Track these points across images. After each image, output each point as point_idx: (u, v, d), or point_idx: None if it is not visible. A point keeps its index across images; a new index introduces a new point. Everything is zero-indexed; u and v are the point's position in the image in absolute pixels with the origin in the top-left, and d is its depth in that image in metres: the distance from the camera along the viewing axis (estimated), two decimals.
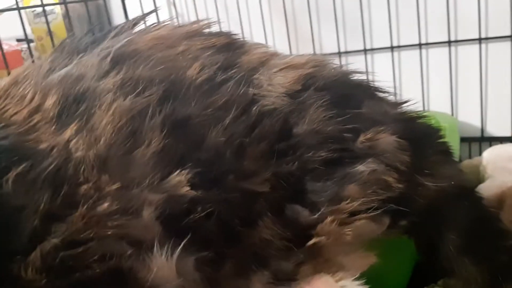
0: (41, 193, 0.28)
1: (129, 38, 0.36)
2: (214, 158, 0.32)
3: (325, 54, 0.85)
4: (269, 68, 0.35)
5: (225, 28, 0.40)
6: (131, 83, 0.33)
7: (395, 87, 0.81)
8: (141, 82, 0.33)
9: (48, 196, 0.28)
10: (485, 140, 0.77)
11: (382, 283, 0.35)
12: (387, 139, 0.35)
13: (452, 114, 0.79)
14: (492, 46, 0.74)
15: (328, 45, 0.85)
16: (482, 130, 0.77)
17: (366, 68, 0.83)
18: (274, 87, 0.35)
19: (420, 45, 0.79)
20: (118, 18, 1.01)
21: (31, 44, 0.88)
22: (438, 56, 0.79)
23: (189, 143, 0.31)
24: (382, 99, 0.39)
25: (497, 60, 0.74)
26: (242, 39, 0.38)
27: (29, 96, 0.33)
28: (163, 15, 0.93)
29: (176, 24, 0.38)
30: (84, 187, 0.29)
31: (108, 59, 0.34)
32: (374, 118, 0.36)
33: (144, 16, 0.40)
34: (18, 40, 0.96)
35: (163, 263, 0.28)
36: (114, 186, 0.29)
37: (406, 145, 0.36)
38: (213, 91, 0.33)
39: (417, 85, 0.80)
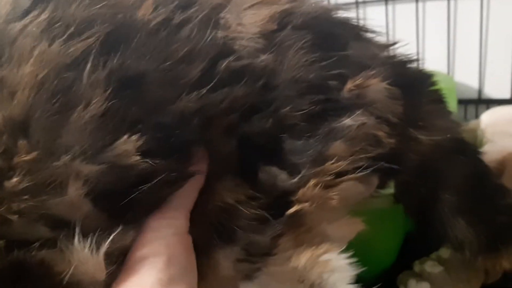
0: None
1: None
2: (178, 125, 0.26)
3: (367, 1, 0.76)
4: (237, 4, 0.29)
5: None
6: (61, 24, 0.26)
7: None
8: (75, 23, 0.26)
9: None
10: (483, 103, 0.73)
11: (369, 256, 0.31)
12: (377, 86, 0.30)
13: (449, 74, 0.74)
14: (494, 1, 0.68)
15: None
16: (480, 91, 0.73)
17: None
18: (245, 27, 0.29)
19: None
20: None
21: None
22: (436, 11, 0.73)
23: (143, 106, 0.25)
24: (369, 40, 0.34)
25: (499, 17, 0.68)
26: None
27: None
28: None
29: None
30: None
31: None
32: (362, 62, 0.31)
33: None
34: None
35: (86, 256, 0.23)
36: (30, 156, 0.23)
37: (398, 93, 0.31)
38: (172, 38, 0.27)
39: (412, 41, 0.75)
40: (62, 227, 0.24)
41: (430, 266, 0.44)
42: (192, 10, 0.28)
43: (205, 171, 0.28)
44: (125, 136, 0.24)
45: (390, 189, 0.40)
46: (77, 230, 0.24)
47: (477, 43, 0.70)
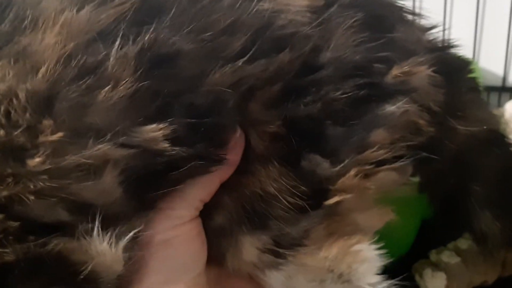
0: None
1: None
2: (212, 107, 0.24)
3: None
4: None
5: None
6: None
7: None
8: None
9: None
10: (506, 91, 0.70)
11: (385, 242, 0.31)
12: (422, 74, 0.28)
13: (474, 59, 0.71)
14: None
15: None
16: (504, 79, 0.71)
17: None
18: (293, 0, 0.27)
19: None
20: None
21: None
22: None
23: (175, 85, 0.24)
24: (413, 23, 0.32)
25: None
26: None
27: None
28: None
29: None
30: (2, 132, 0.21)
31: None
32: (407, 46, 0.29)
33: None
34: None
35: (104, 249, 0.23)
36: (55, 136, 0.22)
37: (441, 81, 0.29)
38: (214, 6, 0.25)
39: (438, 23, 0.72)
40: (83, 212, 0.23)
41: (447, 256, 0.44)
42: None
43: (237, 161, 0.26)
44: (154, 124, 0.23)
45: (416, 177, 0.39)
46: (97, 222, 0.23)
47: (505, 29, 0.68)
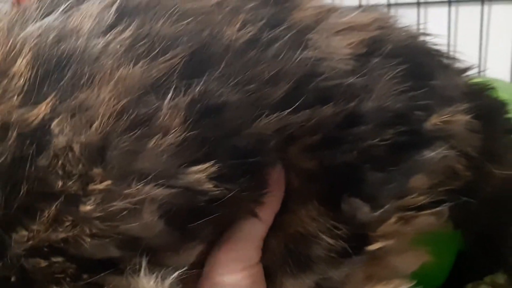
0: None
1: None
2: (254, 148, 0.25)
3: (372, 6, 0.76)
4: (327, 27, 0.28)
5: None
6: (145, 42, 0.25)
7: (449, 46, 0.72)
8: (160, 41, 0.25)
9: (3, 197, 0.23)
10: None
11: (420, 275, 0.31)
12: (460, 121, 0.29)
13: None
14: None
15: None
16: None
17: (418, 23, 0.74)
18: (335, 48, 0.28)
19: (482, 0, 0.69)
20: None
21: None
22: (501, 14, 0.69)
23: (221, 132, 0.25)
24: (450, 67, 0.33)
25: None
26: None
27: None
28: None
29: None
30: (61, 184, 0.23)
31: (114, 8, 0.26)
32: (446, 92, 0.30)
33: None
34: None
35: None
36: (104, 185, 0.23)
37: (478, 126, 0.30)
38: (259, 58, 0.26)
39: (474, 46, 0.72)
40: (131, 247, 0.24)
41: None
42: (280, 29, 0.27)
43: (281, 196, 0.27)
44: (199, 165, 0.24)
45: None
46: (144, 263, 0.24)
47: None
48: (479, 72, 0.73)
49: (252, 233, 0.27)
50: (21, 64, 0.24)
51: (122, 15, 0.26)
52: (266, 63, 0.26)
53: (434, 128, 0.28)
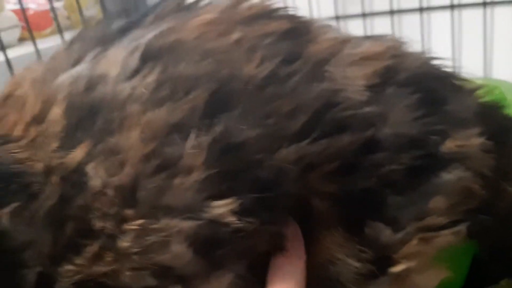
0: (42, 232, 0.25)
1: (170, 25, 0.29)
2: (275, 180, 0.26)
3: (374, 14, 0.77)
4: (341, 59, 0.29)
5: None
6: (169, 85, 0.26)
7: (454, 50, 0.73)
8: (182, 83, 0.27)
9: (51, 235, 0.25)
10: None
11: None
12: (475, 143, 0.30)
13: None
14: None
15: (378, 3, 0.77)
16: None
17: (422, 30, 0.75)
18: (351, 80, 0.29)
19: (484, 4, 0.70)
20: None
21: (59, 3, 0.83)
22: (504, 16, 0.70)
23: (243, 167, 0.26)
24: (462, 89, 0.33)
25: None
26: (306, 21, 0.32)
27: (30, 102, 0.27)
28: None
29: (229, 3, 0.31)
30: (100, 223, 0.25)
31: (138, 53, 0.27)
32: (459, 116, 0.30)
33: None
34: None
35: None
36: (137, 224, 0.25)
37: (492, 146, 0.31)
38: (277, 93, 0.27)
39: (478, 48, 0.72)
40: (165, 275, 0.26)
41: None
42: (296, 64, 0.28)
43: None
44: (222, 200, 0.25)
45: None
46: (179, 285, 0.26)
47: None
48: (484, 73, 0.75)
49: (291, 271, 0.28)
50: (56, 112, 0.26)
51: (146, 60, 0.27)
52: (284, 97, 0.28)
53: (449, 151, 0.29)
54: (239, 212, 0.25)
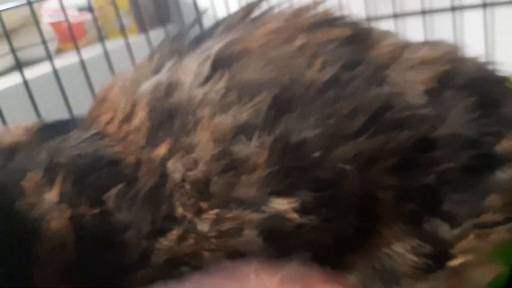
0: (141, 213, 0.28)
1: (237, 34, 0.32)
2: (334, 179, 0.28)
3: (406, 14, 0.78)
4: (401, 63, 0.31)
5: None
6: (236, 91, 0.29)
7: (487, 48, 0.73)
8: (248, 88, 0.29)
9: (150, 214, 0.28)
10: None
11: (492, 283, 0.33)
12: None
13: None
14: None
15: (409, 3, 0.78)
16: None
17: (455, 29, 0.75)
18: (410, 83, 0.30)
19: None
20: None
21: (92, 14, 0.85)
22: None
23: (303, 165, 0.28)
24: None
25: None
26: (367, 27, 0.33)
27: (121, 105, 0.31)
28: None
29: (293, 12, 0.33)
30: (181, 211, 0.28)
31: (208, 62, 0.31)
32: None
33: (259, 2, 0.35)
34: (80, 10, 0.94)
35: None
36: (212, 213, 0.28)
37: None
38: (338, 95, 0.29)
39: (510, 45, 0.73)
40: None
41: None
42: (358, 69, 0.30)
43: None
44: (284, 197, 0.28)
45: None
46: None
47: None
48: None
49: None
50: (142, 115, 0.30)
51: (216, 68, 0.30)
52: (345, 100, 0.29)
53: (505, 151, 0.30)
54: (300, 210, 0.28)
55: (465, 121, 0.30)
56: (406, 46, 0.32)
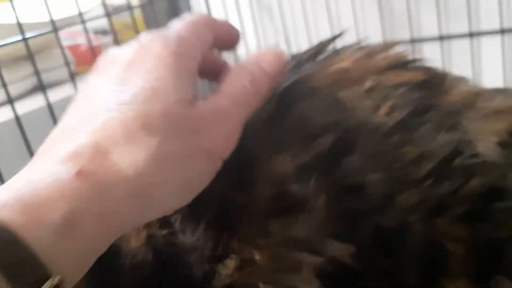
0: (206, 235, 0.28)
1: (307, 72, 0.31)
2: (396, 228, 0.27)
3: (423, 39, 0.78)
4: (475, 111, 0.30)
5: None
6: (299, 130, 0.28)
7: (505, 78, 0.74)
8: (312, 128, 0.28)
9: (212, 239, 0.28)
10: None
11: None
12: None
13: None
14: None
15: (427, 28, 0.78)
16: None
17: (472, 55, 0.75)
18: (483, 134, 0.29)
19: None
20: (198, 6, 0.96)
21: (108, 38, 0.84)
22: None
23: (363, 210, 0.27)
24: None
25: None
26: (441, 73, 0.32)
27: None
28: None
29: (364, 53, 0.32)
30: (237, 242, 0.28)
31: (275, 99, 0.29)
32: None
33: (331, 41, 0.33)
34: (96, 33, 0.92)
35: None
36: (271, 248, 0.27)
37: None
38: (405, 140, 0.28)
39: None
40: None
41: None
42: (428, 114, 0.29)
43: None
44: (341, 242, 0.26)
45: None
46: None
47: None
48: None
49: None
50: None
51: (281, 107, 0.29)
52: (411, 145, 0.28)
53: None
54: (357, 256, 0.26)
55: None
56: (479, 93, 0.31)
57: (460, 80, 0.33)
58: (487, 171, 0.28)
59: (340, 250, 0.26)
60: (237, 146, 0.27)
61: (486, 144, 0.29)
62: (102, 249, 0.22)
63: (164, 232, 0.28)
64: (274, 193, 0.27)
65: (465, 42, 0.74)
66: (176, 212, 0.28)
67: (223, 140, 0.26)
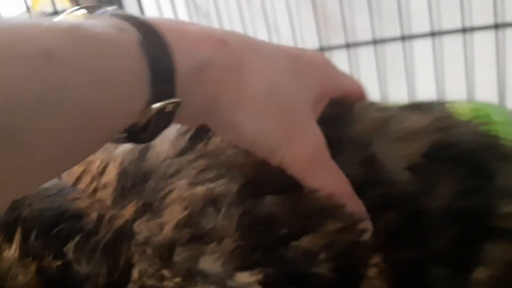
0: (100, 262, 0.27)
1: None
2: (301, 260, 0.27)
3: (357, 43, 0.78)
4: (385, 137, 0.30)
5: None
6: (214, 168, 0.29)
7: (437, 76, 0.76)
8: (224, 165, 0.29)
9: (107, 266, 0.27)
10: None
11: None
12: None
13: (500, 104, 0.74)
14: None
15: (361, 33, 0.78)
16: None
17: (405, 58, 0.77)
18: (394, 160, 0.29)
19: (464, 30, 0.73)
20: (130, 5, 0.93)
21: None
22: (483, 42, 0.73)
23: (269, 242, 0.27)
24: (509, 156, 0.33)
25: None
26: (347, 102, 0.32)
27: (97, 162, 0.31)
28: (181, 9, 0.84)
29: None
30: (138, 275, 0.27)
31: (188, 135, 0.30)
32: (507, 188, 0.31)
33: None
34: None
35: None
36: (176, 280, 0.27)
37: None
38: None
39: (460, 73, 0.75)
40: None
41: None
42: (339, 147, 0.29)
43: None
44: (249, 271, 0.26)
45: None
46: None
47: None
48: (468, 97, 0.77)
49: None
50: (112, 174, 0.30)
51: (195, 141, 0.30)
52: None
53: (496, 224, 0.30)
54: (265, 285, 0.26)
55: (454, 194, 0.29)
56: (390, 117, 0.31)
57: (368, 106, 0.33)
58: (401, 201, 0.28)
59: (247, 277, 0.26)
60: (150, 173, 0.29)
61: (396, 171, 0.29)
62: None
63: (58, 263, 0.28)
64: (182, 220, 0.27)
65: (458, 38, 0.73)
66: (68, 241, 0.28)
67: None
